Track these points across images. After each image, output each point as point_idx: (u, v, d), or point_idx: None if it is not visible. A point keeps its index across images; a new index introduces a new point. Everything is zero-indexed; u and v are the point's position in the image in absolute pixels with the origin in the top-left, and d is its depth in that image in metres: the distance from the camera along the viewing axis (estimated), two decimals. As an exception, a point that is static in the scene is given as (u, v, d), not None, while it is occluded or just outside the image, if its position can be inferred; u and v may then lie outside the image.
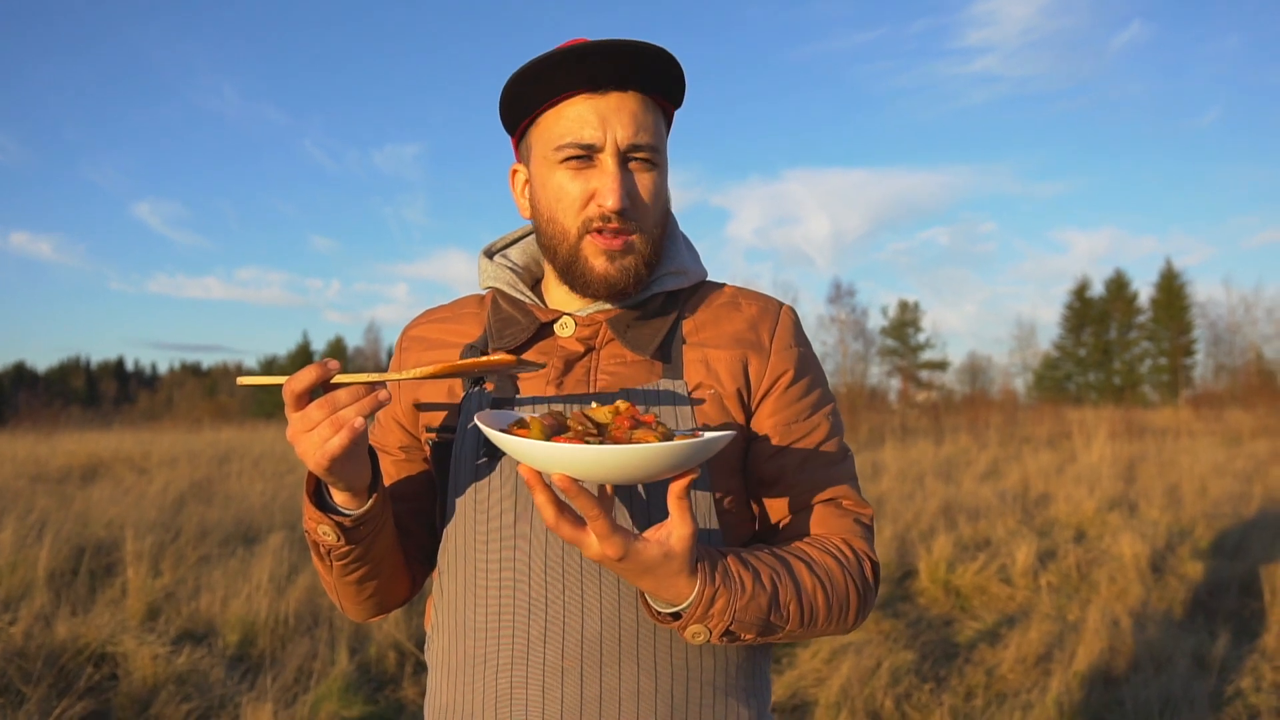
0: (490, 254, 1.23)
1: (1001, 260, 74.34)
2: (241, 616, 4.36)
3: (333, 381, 0.92)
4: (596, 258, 1.07)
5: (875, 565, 1.10)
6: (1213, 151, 63.61)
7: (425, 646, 1.20)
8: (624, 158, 1.06)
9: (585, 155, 1.05)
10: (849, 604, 1.06)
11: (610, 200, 1.04)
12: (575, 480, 0.86)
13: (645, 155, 1.07)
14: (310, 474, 1.01)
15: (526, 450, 0.86)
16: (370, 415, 0.93)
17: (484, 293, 1.24)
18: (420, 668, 4.06)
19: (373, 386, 0.93)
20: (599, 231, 1.06)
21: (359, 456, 0.97)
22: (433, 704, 1.14)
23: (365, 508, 1.02)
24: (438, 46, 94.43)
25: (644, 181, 1.08)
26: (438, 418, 1.16)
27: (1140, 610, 4.91)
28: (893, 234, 77.50)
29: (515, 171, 1.17)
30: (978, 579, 5.41)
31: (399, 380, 0.95)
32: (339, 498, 1.02)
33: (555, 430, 0.90)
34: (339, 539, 1.03)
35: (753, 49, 79.78)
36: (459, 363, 0.95)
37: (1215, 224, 65.74)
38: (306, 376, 0.91)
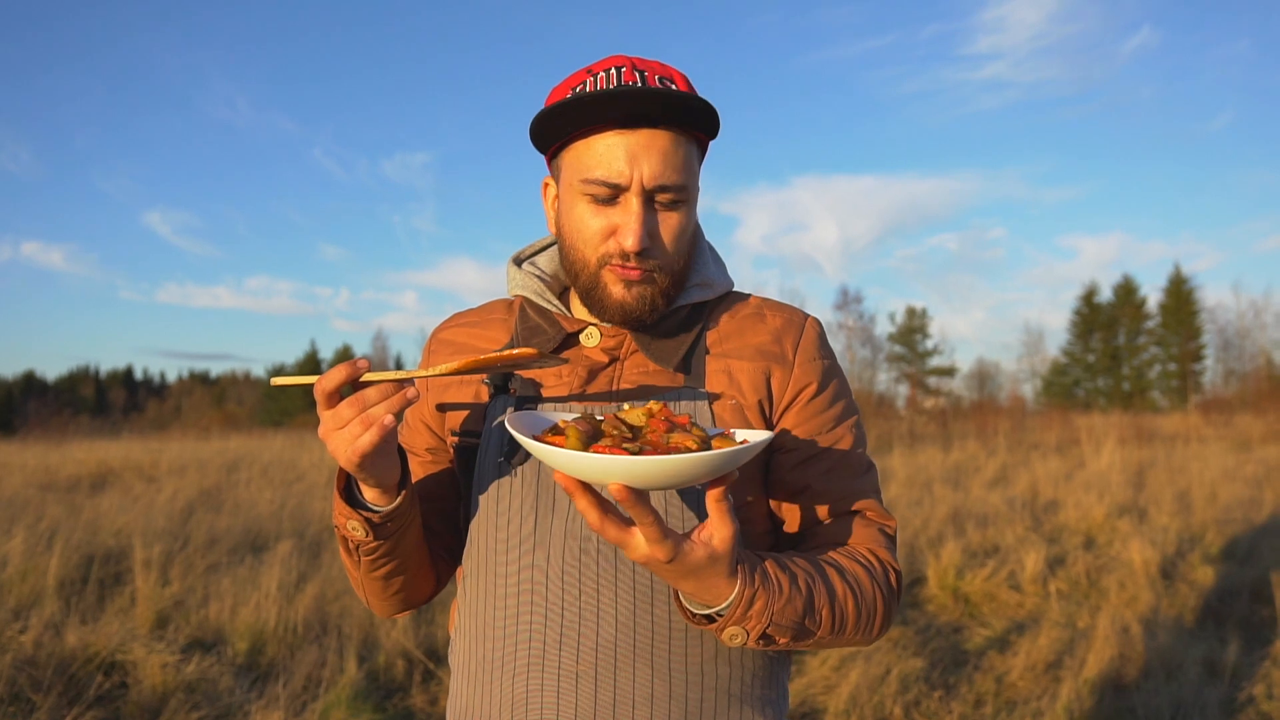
0: (519, 261, 1.24)
1: (1010, 266, 74.15)
2: (250, 624, 4.37)
3: (361, 380, 0.94)
4: (615, 285, 1.08)
5: (899, 575, 1.11)
6: (1223, 156, 63.44)
7: (449, 650, 1.22)
8: (649, 196, 1.06)
9: (610, 192, 1.06)
10: (876, 612, 1.06)
11: (630, 241, 1.05)
12: (631, 489, 0.85)
13: (671, 195, 1.07)
14: (340, 470, 1.03)
15: (566, 461, 0.85)
16: (399, 413, 0.94)
17: (513, 298, 1.25)
18: (428, 676, 4.07)
19: (401, 385, 0.94)
20: (618, 265, 1.07)
21: (389, 454, 0.99)
22: (453, 707, 1.16)
23: (394, 504, 1.04)
24: (447, 55, 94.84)
25: (668, 220, 1.08)
26: (465, 422, 1.18)
27: (1150, 617, 4.88)
28: (901, 240, 77.42)
29: (547, 185, 1.18)
30: (987, 586, 5.39)
31: (426, 377, 0.96)
32: (369, 494, 1.04)
33: (591, 436, 0.89)
34: (368, 535, 1.05)
35: (762, 55, 79.96)
36: (482, 357, 0.96)
37: (1225, 229, 65.55)
38: (336, 375, 0.93)
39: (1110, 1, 64.48)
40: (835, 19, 77.12)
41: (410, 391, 0.94)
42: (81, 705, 3.48)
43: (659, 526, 0.88)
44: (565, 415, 1.00)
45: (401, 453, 1.06)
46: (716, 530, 0.90)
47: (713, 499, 0.89)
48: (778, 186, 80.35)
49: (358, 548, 1.08)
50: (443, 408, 1.21)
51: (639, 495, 0.85)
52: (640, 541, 0.89)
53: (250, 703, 3.65)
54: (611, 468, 0.82)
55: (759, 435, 0.91)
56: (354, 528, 1.05)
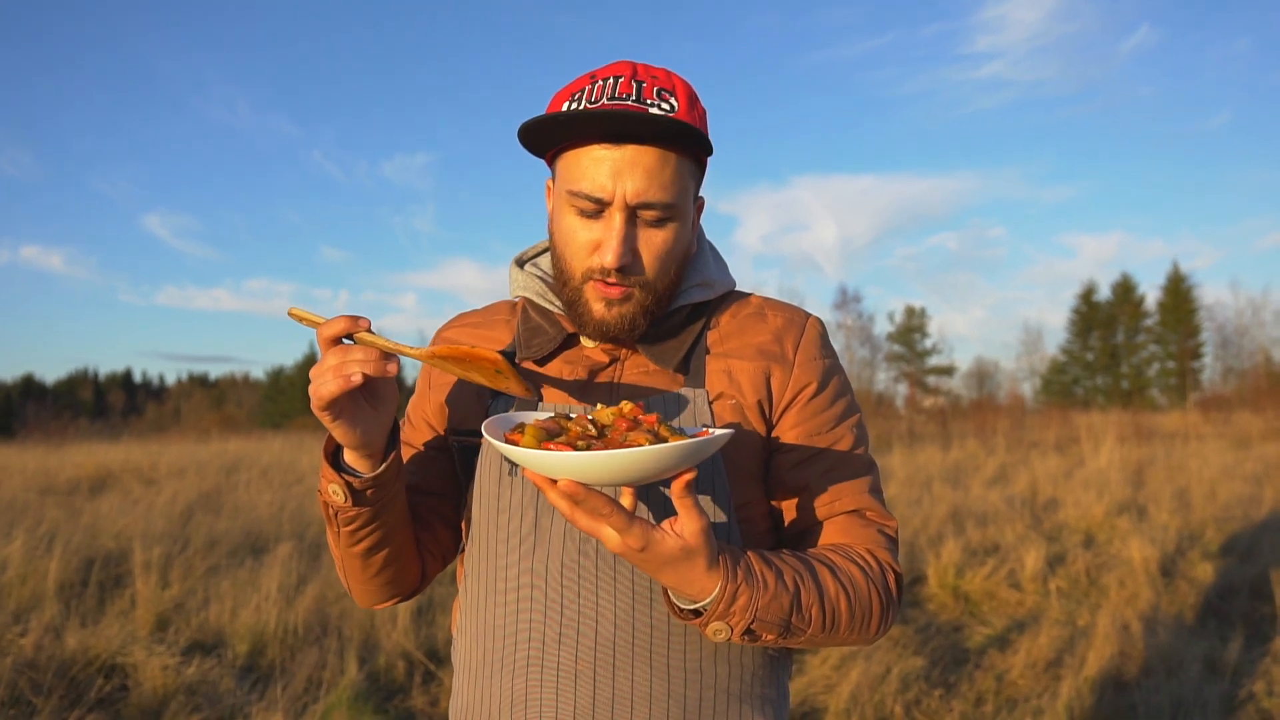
0: (521, 263, 1.24)
1: (1010, 265, 73.96)
2: (251, 626, 4.37)
3: (357, 338, 0.98)
4: (596, 301, 1.09)
5: (899, 577, 1.11)
6: (1221, 154, 63.19)
7: (451, 649, 1.22)
8: (632, 212, 1.06)
9: (595, 206, 1.06)
10: (872, 613, 1.06)
11: (610, 258, 1.05)
12: (581, 483, 0.87)
13: (656, 212, 1.06)
14: (329, 436, 1.05)
15: (517, 456, 0.88)
16: (375, 377, 0.97)
17: (516, 299, 1.26)
18: (429, 677, 4.07)
19: (388, 355, 0.97)
20: (600, 280, 1.08)
21: (359, 414, 1.01)
22: (454, 706, 1.17)
23: (376, 472, 1.05)
24: (446, 56, 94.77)
25: (652, 238, 1.08)
26: (466, 422, 1.19)
27: (1151, 615, 4.89)
28: (901, 240, 77.26)
29: (550, 186, 1.18)
30: (987, 584, 5.40)
31: (411, 356, 1.00)
32: (349, 458, 1.06)
33: (552, 434, 0.91)
34: (346, 500, 1.06)
35: (762, 56, 79.74)
36: (460, 348, 1.00)
37: (1223, 227, 65.34)
38: (337, 324, 0.97)
39: (1109, 0, 64.55)
40: (834, 20, 76.93)
41: (391, 366, 0.96)
42: (82, 708, 3.48)
43: (621, 515, 0.89)
44: (541, 415, 1.02)
45: (395, 427, 1.07)
46: (685, 525, 0.92)
47: (675, 495, 0.91)
48: (777, 186, 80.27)
49: (336, 514, 1.09)
50: (446, 406, 1.22)
51: (590, 490, 0.88)
52: (611, 532, 0.91)
53: (251, 705, 3.65)
54: (555, 463, 0.86)
55: (720, 432, 0.92)
56: (334, 491, 1.06)
